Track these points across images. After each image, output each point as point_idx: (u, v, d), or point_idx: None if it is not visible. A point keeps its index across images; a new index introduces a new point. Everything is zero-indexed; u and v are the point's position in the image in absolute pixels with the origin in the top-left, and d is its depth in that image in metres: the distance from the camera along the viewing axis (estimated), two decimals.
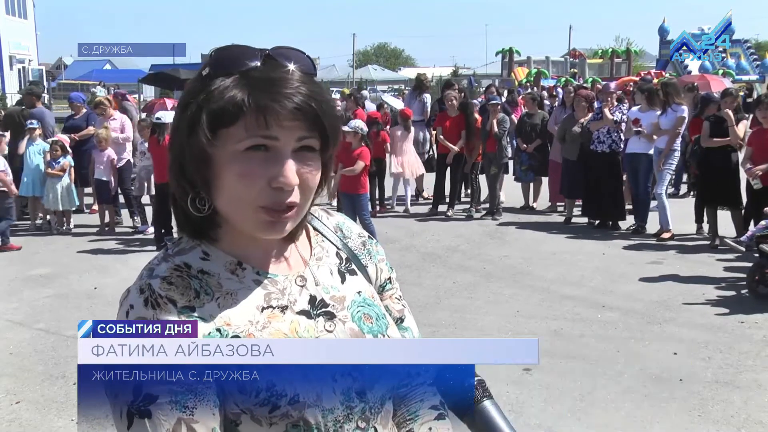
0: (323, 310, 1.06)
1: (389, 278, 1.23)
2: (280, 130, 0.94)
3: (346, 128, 7.38)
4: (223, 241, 1.04)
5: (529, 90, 15.65)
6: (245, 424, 0.97)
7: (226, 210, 1.00)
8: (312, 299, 1.06)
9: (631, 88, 11.36)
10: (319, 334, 1.03)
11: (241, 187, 0.96)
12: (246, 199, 0.96)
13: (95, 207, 9.48)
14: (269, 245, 1.06)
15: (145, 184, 8.71)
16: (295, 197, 0.98)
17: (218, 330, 0.97)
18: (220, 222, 1.03)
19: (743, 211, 7.44)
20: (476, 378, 0.98)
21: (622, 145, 8.57)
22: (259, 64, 0.96)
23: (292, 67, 0.97)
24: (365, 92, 16.48)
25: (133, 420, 0.92)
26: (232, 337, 0.97)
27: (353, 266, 1.16)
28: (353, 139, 7.27)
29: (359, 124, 7.52)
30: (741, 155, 7.63)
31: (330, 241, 1.16)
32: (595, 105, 9.18)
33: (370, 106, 12.63)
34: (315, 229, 1.16)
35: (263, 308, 1.02)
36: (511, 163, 10.50)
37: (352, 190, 7.34)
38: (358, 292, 1.12)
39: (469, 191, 10.40)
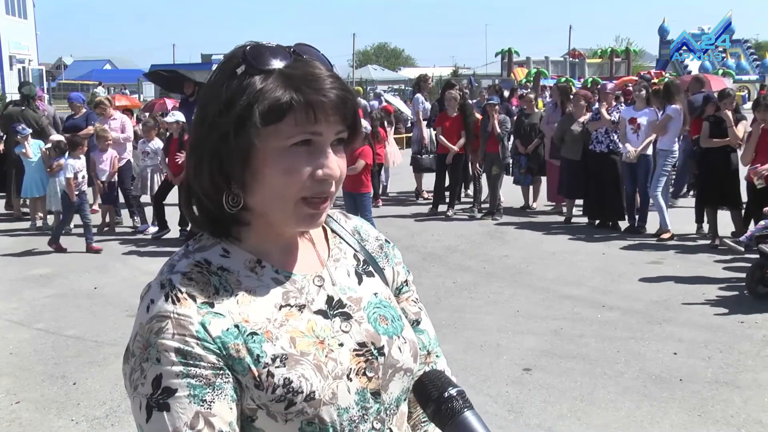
0: (340, 310, 1.07)
1: (406, 281, 1.24)
2: (325, 124, 0.98)
3: None
4: (245, 240, 1.06)
5: (528, 90, 15.61)
6: (261, 420, 0.98)
7: (263, 205, 1.01)
8: (329, 299, 1.07)
9: (631, 89, 11.34)
10: (335, 335, 1.04)
11: (286, 182, 0.98)
12: (288, 194, 0.99)
13: (95, 207, 9.47)
14: (289, 245, 1.08)
15: (147, 184, 8.72)
16: (332, 187, 1.02)
17: (236, 326, 0.98)
18: (248, 219, 1.04)
19: (744, 210, 7.42)
20: (456, 389, 0.98)
21: (620, 145, 8.58)
22: (290, 61, 0.99)
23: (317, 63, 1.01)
24: (380, 93, 16.44)
25: (152, 413, 0.93)
26: (250, 333, 0.98)
27: (370, 268, 1.17)
28: None
29: (364, 122, 7.52)
30: (741, 155, 7.63)
31: (347, 243, 1.18)
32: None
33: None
34: (333, 231, 1.18)
35: (281, 306, 1.03)
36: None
37: (355, 189, 7.29)
38: (375, 294, 1.13)
39: (472, 191, 10.40)
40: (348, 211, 6.87)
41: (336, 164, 1.00)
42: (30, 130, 9.04)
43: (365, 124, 7.51)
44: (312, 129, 0.97)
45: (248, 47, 1.00)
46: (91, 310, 5.85)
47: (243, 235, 1.05)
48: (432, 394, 0.99)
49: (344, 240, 1.18)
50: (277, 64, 0.98)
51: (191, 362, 0.94)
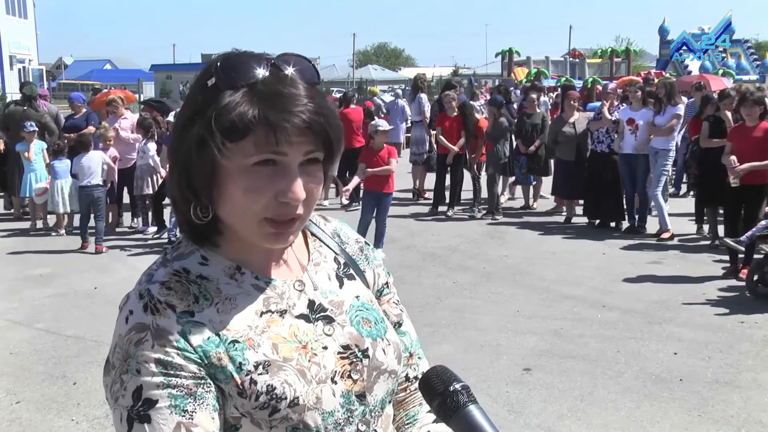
0: (322, 314, 1.06)
1: (386, 283, 1.23)
2: (289, 146, 0.94)
3: (379, 128, 7.28)
4: (223, 247, 1.05)
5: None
6: (245, 428, 0.97)
7: (230, 220, 1.00)
8: (311, 303, 1.06)
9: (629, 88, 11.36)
10: (318, 338, 1.03)
11: (247, 200, 0.96)
12: (250, 212, 0.97)
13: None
14: (268, 251, 1.06)
15: (139, 183, 8.66)
16: (299, 210, 0.98)
17: (217, 334, 0.97)
18: (222, 229, 1.03)
19: (731, 210, 6.97)
20: (460, 383, 0.99)
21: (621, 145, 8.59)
22: (266, 74, 0.95)
23: (291, 70, 0.96)
24: (399, 91, 16.15)
25: (132, 425, 0.92)
26: (232, 341, 0.97)
27: (351, 271, 1.16)
28: (379, 138, 7.16)
29: (384, 123, 7.51)
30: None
31: (328, 246, 1.17)
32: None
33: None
34: (313, 234, 1.17)
35: (262, 313, 1.02)
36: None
37: (381, 188, 7.19)
38: (357, 297, 1.12)
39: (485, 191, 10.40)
40: (366, 209, 6.81)
41: (301, 188, 0.96)
42: (35, 126, 9.05)
43: (385, 124, 7.47)
44: (273, 150, 0.93)
45: (221, 59, 0.97)
46: (91, 310, 5.85)
47: (221, 243, 1.04)
48: (437, 388, 0.98)
49: (324, 243, 1.17)
50: (248, 78, 0.94)
51: (172, 372, 0.92)
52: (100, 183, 8.03)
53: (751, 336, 5.12)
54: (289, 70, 0.96)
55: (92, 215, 8.05)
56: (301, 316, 1.04)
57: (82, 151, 8.07)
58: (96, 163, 8.03)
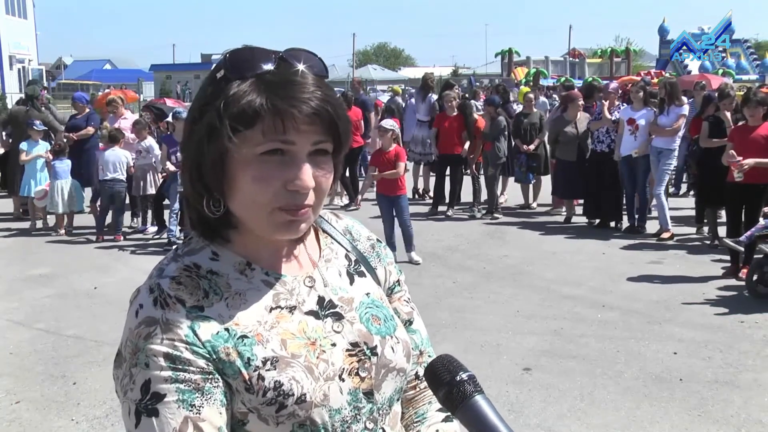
0: (331, 310, 1.06)
1: (398, 281, 1.23)
2: (296, 134, 0.95)
3: (385, 127, 7.20)
4: (234, 242, 1.05)
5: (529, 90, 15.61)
6: (252, 423, 0.97)
7: (241, 212, 1.00)
8: (320, 300, 1.07)
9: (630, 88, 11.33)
10: (327, 335, 1.03)
11: (256, 190, 0.96)
12: (261, 201, 0.97)
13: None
14: (279, 246, 1.07)
15: (141, 184, 8.67)
16: (310, 200, 0.99)
17: (227, 329, 0.97)
18: (235, 223, 1.03)
19: (732, 210, 6.87)
20: (467, 373, 0.98)
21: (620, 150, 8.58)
22: (273, 67, 0.96)
23: (302, 67, 0.97)
24: (413, 91, 15.93)
25: (140, 418, 0.92)
26: (241, 336, 0.98)
27: (362, 268, 1.16)
28: (386, 140, 7.11)
29: (393, 124, 7.44)
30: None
31: (339, 243, 1.17)
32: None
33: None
34: (324, 231, 1.17)
35: (272, 308, 1.02)
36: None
37: (392, 191, 7.15)
38: (367, 294, 1.13)
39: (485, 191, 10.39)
40: (384, 215, 6.76)
41: (309, 176, 0.96)
42: (42, 125, 9.07)
43: (394, 125, 7.42)
44: (281, 138, 0.94)
45: (230, 53, 0.98)
46: (91, 310, 5.85)
47: (233, 237, 1.05)
48: (443, 378, 0.98)
49: (335, 240, 1.17)
50: (256, 69, 0.95)
51: (180, 367, 0.93)
52: (123, 179, 8.41)
53: (751, 336, 5.12)
54: (298, 64, 0.97)
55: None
56: (310, 313, 1.04)
57: (112, 144, 8.46)
58: (121, 160, 8.40)
